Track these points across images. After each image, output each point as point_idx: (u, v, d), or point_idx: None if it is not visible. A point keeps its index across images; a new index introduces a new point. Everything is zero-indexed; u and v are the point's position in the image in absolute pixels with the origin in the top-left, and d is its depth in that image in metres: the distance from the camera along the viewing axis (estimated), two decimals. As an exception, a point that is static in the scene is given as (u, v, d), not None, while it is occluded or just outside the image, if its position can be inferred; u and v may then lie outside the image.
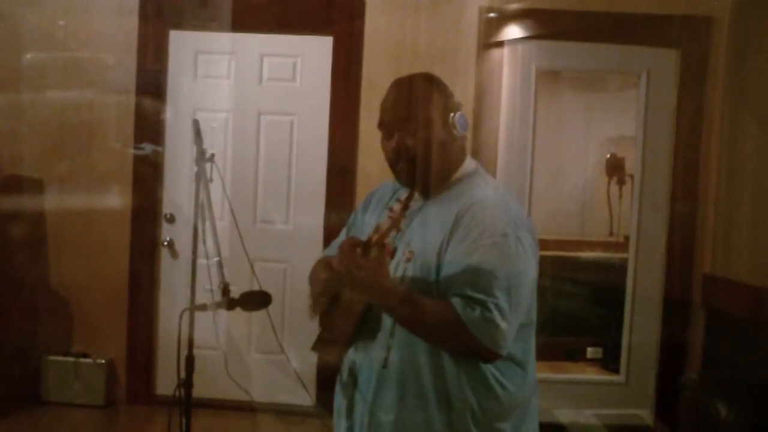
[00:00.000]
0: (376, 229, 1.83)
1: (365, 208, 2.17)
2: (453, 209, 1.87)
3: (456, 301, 1.77)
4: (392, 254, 1.89)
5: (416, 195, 1.97)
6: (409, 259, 1.88)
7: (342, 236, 2.20)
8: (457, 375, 1.83)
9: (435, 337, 1.83)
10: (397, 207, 1.87)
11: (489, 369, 1.84)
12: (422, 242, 1.88)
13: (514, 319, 1.81)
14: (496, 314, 1.75)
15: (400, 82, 2.01)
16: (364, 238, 1.87)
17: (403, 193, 1.99)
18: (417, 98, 1.95)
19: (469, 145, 4.02)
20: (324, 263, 2.02)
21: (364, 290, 1.85)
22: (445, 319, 1.77)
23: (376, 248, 1.78)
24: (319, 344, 2.02)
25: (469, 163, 2.02)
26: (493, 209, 1.88)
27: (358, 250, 1.80)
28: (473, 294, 1.76)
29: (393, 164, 1.97)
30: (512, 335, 1.82)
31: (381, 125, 1.99)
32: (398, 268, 1.89)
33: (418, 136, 1.92)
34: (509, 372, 1.87)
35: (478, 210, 1.85)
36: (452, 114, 1.94)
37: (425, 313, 1.81)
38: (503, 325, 1.76)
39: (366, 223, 2.09)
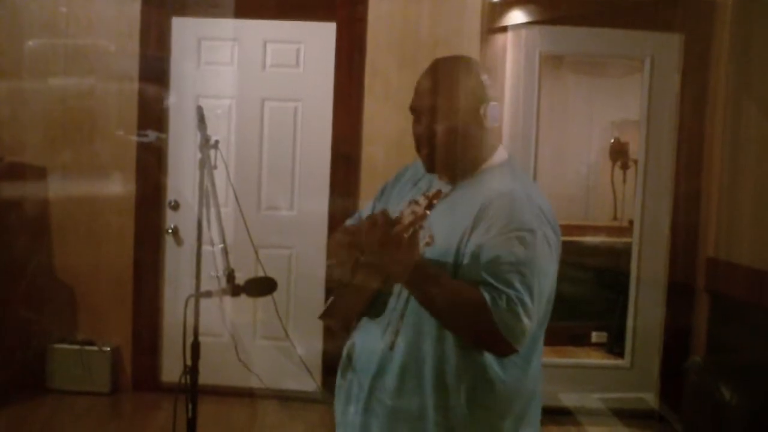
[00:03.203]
0: (400, 218, 1.75)
1: (396, 181, 2.12)
2: (478, 200, 1.82)
3: (483, 290, 1.73)
4: None
5: (442, 187, 1.88)
6: (428, 244, 1.84)
7: (368, 209, 2.11)
8: (458, 363, 1.81)
9: (457, 322, 1.79)
10: (423, 201, 1.76)
11: (490, 361, 1.81)
12: (444, 229, 1.84)
13: (534, 318, 1.77)
14: (520, 309, 1.71)
15: (435, 66, 1.93)
16: (391, 210, 1.83)
17: (432, 181, 1.96)
18: (449, 85, 1.89)
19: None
20: (349, 231, 1.91)
21: (394, 265, 1.75)
22: (472, 306, 1.73)
23: (410, 229, 1.71)
24: (327, 314, 1.98)
25: (500, 154, 1.94)
26: (519, 203, 1.81)
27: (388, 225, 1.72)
28: (499, 285, 1.71)
29: (418, 149, 1.93)
30: (531, 334, 1.78)
31: (412, 109, 1.94)
32: None
33: (445, 124, 1.87)
34: (510, 366, 1.84)
35: (504, 202, 1.80)
36: (484, 105, 1.87)
37: (453, 296, 1.77)
38: (526, 321, 1.72)
39: (394, 196, 2.05)
